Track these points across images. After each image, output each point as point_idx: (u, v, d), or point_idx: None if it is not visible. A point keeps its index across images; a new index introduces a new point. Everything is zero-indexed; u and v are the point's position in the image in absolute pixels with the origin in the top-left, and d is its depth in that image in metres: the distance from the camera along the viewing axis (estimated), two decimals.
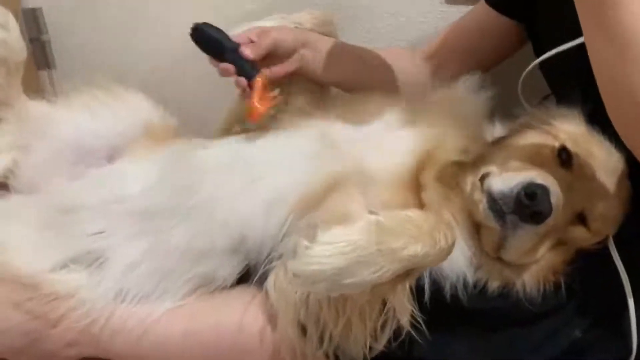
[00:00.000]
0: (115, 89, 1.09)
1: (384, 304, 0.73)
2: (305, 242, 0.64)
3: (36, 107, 1.06)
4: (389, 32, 1.21)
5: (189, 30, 0.91)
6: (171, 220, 0.86)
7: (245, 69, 0.88)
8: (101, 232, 0.89)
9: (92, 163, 1.00)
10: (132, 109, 1.07)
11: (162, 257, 0.86)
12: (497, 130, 0.94)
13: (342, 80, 1.01)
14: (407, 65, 1.09)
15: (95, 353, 0.87)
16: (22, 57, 1.06)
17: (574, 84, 0.86)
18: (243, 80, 0.89)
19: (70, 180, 0.99)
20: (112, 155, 1.02)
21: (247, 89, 0.90)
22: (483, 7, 1.07)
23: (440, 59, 1.10)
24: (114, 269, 0.87)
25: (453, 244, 0.70)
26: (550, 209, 0.71)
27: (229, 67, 0.89)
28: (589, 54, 0.67)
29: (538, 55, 0.98)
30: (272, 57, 0.92)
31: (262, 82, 0.88)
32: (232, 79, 0.93)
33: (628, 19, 0.61)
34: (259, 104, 0.88)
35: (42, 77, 1.30)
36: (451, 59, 1.09)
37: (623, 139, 0.69)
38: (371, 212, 0.67)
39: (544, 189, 0.71)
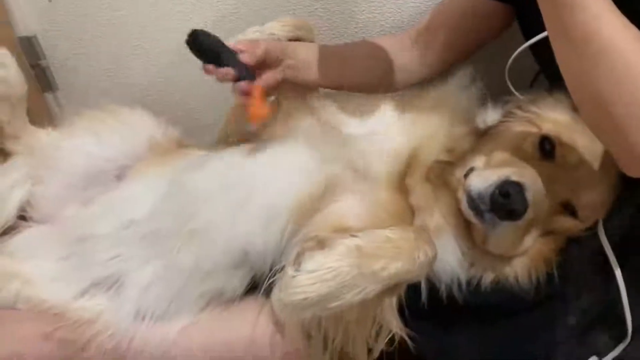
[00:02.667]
0: (117, 110, 1.13)
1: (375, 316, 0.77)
2: (291, 271, 0.68)
3: (44, 137, 1.11)
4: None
5: (185, 37, 0.90)
6: (175, 243, 0.90)
7: (244, 73, 0.89)
8: (117, 257, 0.94)
9: (102, 185, 1.05)
10: (136, 128, 1.10)
11: (172, 277, 0.91)
12: (489, 117, 0.95)
13: (330, 82, 1.01)
14: (399, 52, 1.08)
15: None
16: (23, 91, 1.10)
17: None
18: (244, 84, 0.90)
19: (82, 205, 1.04)
20: (120, 174, 1.06)
21: (248, 93, 0.90)
22: None
23: (427, 40, 1.08)
24: (131, 291, 0.92)
25: (434, 257, 0.73)
26: (526, 207, 0.73)
27: (229, 71, 0.89)
28: (555, 53, 0.68)
29: (527, 38, 0.97)
30: (262, 66, 0.94)
31: (263, 87, 0.90)
32: (230, 84, 0.94)
33: (586, 21, 0.61)
34: (261, 108, 0.89)
35: (48, 99, 1.35)
36: (437, 41, 1.07)
37: (593, 134, 0.70)
38: (352, 236, 0.70)
39: (519, 187, 0.73)
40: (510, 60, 0.98)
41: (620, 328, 0.80)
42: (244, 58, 0.89)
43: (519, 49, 0.96)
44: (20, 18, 1.23)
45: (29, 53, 1.25)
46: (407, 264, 0.69)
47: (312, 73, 0.97)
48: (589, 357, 0.81)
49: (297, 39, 1.02)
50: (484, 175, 0.77)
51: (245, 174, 0.90)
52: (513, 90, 0.96)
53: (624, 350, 0.80)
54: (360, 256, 0.68)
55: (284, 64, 0.95)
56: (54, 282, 0.96)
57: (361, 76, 1.04)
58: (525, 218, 0.74)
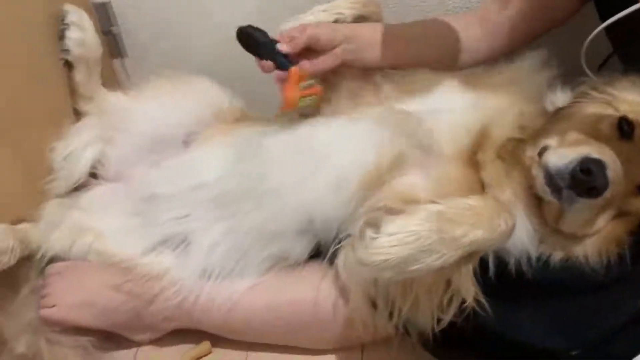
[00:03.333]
0: (184, 77, 1.15)
1: (449, 283, 0.77)
2: (371, 233, 0.69)
3: (115, 99, 1.15)
4: None
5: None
6: (244, 205, 0.93)
7: (281, 62, 0.92)
8: (185, 216, 0.98)
9: (170, 150, 1.08)
10: (202, 96, 1.13)
11: (239, 239, 0.94)
12: (558, 99, 0.94)
13: (395, 62, 1.00)
14: (467, 32, 1.05)
15: (191, 325, 0.97)
16: (99, 53, 1.15)
17: None
18: (279, 73, 0.93)
19: (151, 167, 1.07)
20: (187, 141, 1.09)
21: (284, 81, 0.93)
22: None
23: (495, 21, 1.05)
24: (198, 250, 0.95)
25: (513, 227, 0.73)
26: (606, 184, 0.73)
27: (269, 64, 0.93)
28: None
29: (603, 20, 0.95)
30: (311, 51, 0.94)
31: (295, 73, 0.92)
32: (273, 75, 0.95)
33: None
34: (291, 93, 0.92)
35: (116, 66, 1.38)
36: (505, 22, 1.05)
37: None
38: (433, 202, 0.71)
39: (600, 164, 0.73)
40: (586, 43, 0.96)
41: None
42: (282, 48, 0.91)
43: (595, 31, 0.95)
44: None
45: (102, 19, 1.29)
46: (487, 232, 0.69)
47: (376, 54, 0.96)
48: None
49: (363, 18, 1.02)
50: (562, 153, 0.76)
51: (318, 142, 0.92)
52: (589, 72, 0.94)
53: None
54: (442, 221, 0.69)
55: (339, 49, 0.94)
56: (123, 237, 1.00)
57: (427, 56, 1.03)
58: (604, 196, 0.74)
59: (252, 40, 0.95)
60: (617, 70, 0.92)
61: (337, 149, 0.91)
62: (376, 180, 0.86)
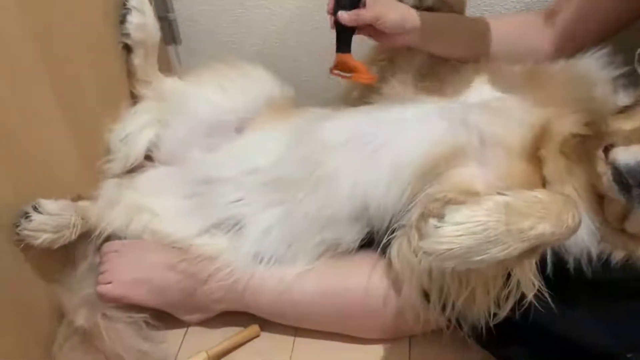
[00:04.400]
0: (238, 65, 1.17)
1: (508, 275, 0.77)
2: (434, 222, 0.69)
3: (171, 84, 1.17)
4: None
5: None
6: (300, 190, 0.94)
7: (342, 40, 0.91)
8: (239, 200, 0.99)
9: (223, 135, 1.10)
10: (255, 84, 1.15)
11: (292, 224, 0.95)
12: (621, 99, 0.92)
13: (458, 54, 1.00)
14: (530, 31, 1.05)
15: (240, 308, 0.99)
16: (157, 38, 1.17)
17: None
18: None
19: (205, 152, 1.09)
20: (240, 127, 1.11)
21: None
22: None
23: (559, 24, 1.04)
24: (252, 234, 0.97)
25: (580, 223, 0.72)
26: None
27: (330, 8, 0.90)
28: None
29: None
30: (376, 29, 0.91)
31: (339, 58, 0.92)
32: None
33: None
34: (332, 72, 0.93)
35: (170, 52, 1.41)
36: (568, 25, 1.03)
37: None
38: (499, 193, 0.70)
39: None
40: None
41: None
42: (343, 17, 0.88)
43: None
44: None
45: (159, 5, 1.31)
46: (554, 226, 0.69)
47: (440, 43, 0.96)
48: None
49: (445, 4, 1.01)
50: (633, 150, 0.75)
51: (376, 129, 0.92)
52: None
53: None
54: (509, 213, 0.68)
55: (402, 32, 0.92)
56: (178, 218, 1.02)
57: (489, 52, 1.03)
58: None
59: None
60: None
61: (395, 136, 0.91)
62: (432, 170, 0.86)
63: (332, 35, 1.29)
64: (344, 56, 0.92)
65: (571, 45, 1.01)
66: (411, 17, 0.90)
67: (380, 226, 0.91)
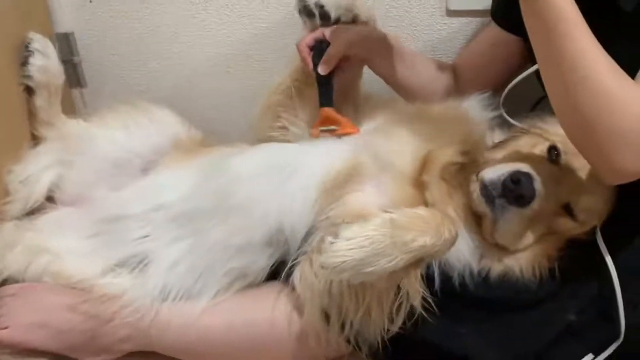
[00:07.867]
0: (144, 106, 1.19)
1: (399, 289, 0.83)
2: (330, 238, 0.75)
3: (74, 125, 1.17)
4: None
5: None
6: (210, 221, 0.95)
7: (325, 94, 1.01)
8: (145, 237, 1.00)
9: (129, 175, 1.10)
10: (161, 125, 1.17)
11: (201, 255, 0.96)
12: (496, 135, 1.04)
13: (392, 78, 1.12)
14: (442, 74, 1.19)
15: (146, 347, 0.97)
16: (61, 80, 1.17)
17: None
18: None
19: (111, 191, 1.09)
20: (146, 168, 1.12)
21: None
22: (492, 27, 1.16)
23: (458, 75, 1.20)
24: (158, 269, 0.97)
25: (456, 236, 0.80)
26: (534, 193, 0.83)
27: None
28: (543, 80, 0.79)
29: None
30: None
31: (321, 113, 1.00)
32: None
33: (574, 51, 0.73)
34: (314, 130, 1.02)
35: (75, 95, 1.41)
36: (468, 76, 1.18)
37: (577, 150, 0.81)
38: (386, 211, 0.78)
39: (528, 176, 0.83)
40: (505, 91, 1.05)
41: (614, 327, 0.86)
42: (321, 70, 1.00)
43: (520, 76, 1.03)
44: (60, 14, 1.30)
45: (64, 49, 1.32)
46: (434, 238, 0.76)
47: (385, 63, 1.08)
48: (585, 355, 0.87)
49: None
50: (496, 167, 0.86)
51: (286, 158, 0.97)
52: (507, 117, 1.03)
53: (617, 349, 0.87)
54: (394, 227, 0.75)
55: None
56: (81, 258, 1.01)
57: (414, 82, 1.14)
58: (532, 207, 0.83)
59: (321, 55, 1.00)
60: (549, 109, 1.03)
61: (305, 162, 0.96)
62: (335, 186, 0.91)
63: (240, 77, 1.36)
64: (328, 110, 1.00)
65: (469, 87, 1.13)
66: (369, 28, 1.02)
67: (293, 248, 0.94)
